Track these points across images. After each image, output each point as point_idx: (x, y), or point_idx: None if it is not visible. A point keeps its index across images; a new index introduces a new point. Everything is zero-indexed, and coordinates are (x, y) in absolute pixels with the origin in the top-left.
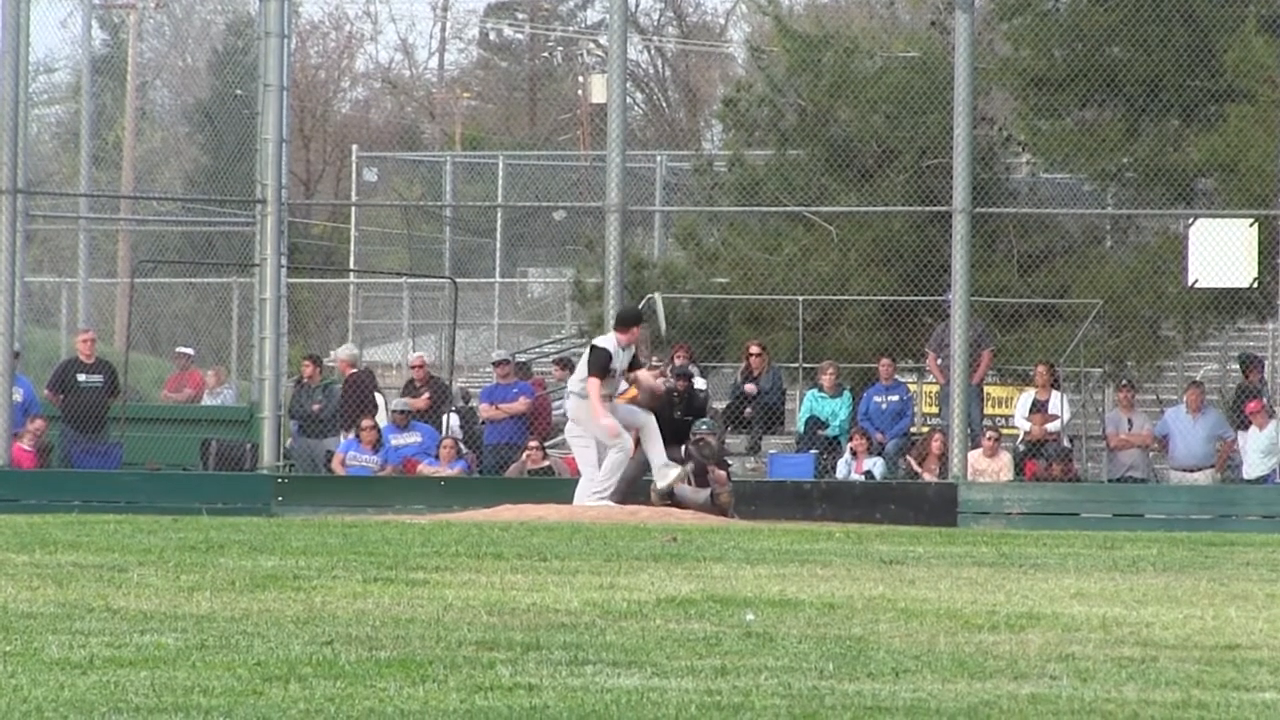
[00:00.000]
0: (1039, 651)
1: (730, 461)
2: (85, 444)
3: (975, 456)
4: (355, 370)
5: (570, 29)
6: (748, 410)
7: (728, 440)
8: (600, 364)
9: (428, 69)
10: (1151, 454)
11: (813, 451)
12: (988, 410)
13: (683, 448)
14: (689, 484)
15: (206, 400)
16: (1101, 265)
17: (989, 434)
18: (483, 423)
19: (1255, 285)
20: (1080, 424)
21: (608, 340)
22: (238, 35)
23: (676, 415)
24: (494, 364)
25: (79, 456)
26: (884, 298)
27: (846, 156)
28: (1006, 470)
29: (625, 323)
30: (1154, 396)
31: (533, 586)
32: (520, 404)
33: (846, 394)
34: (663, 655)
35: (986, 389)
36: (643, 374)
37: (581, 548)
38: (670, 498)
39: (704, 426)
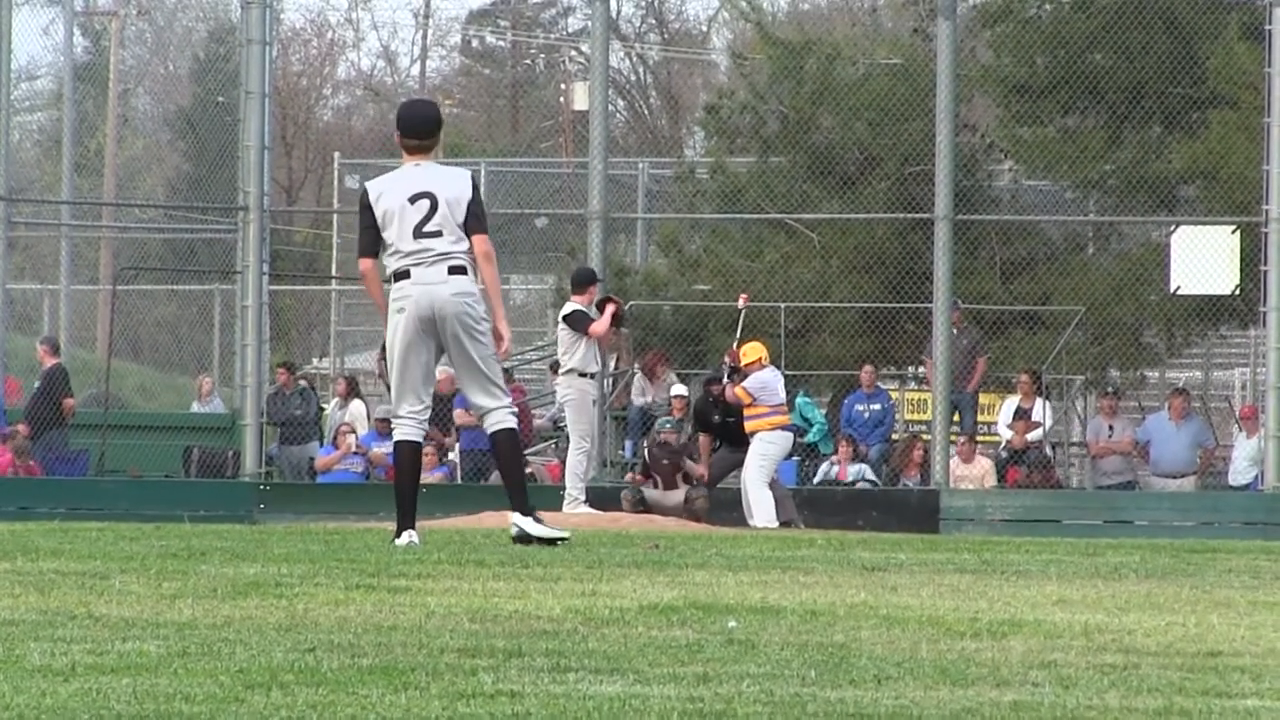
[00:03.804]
0: (1021, 659)
1: (698, 460)
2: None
3: (953, 463)
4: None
5: (552, 36)
6: (716, 417)
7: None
8: (585, 321)
9: (410, 76)
10: (1134, 460)
11: (795, 458)
12: None
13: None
14: (657, 487)
15: (197, 408)
16: (1084, 273)
17: (961, 439)
18: (458, 429)
19: (1238, 292)
20: (1062, 430)
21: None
22: (220, 42)
23: (716, 419)
24: None
25: (51, 464)
26: (866, 305)
27: (828, 163)
28: (989, 476)
29: (581, 284)
30: (1136, 403)
31: (515, 594)
32: None
33: (800, 403)
34: (645, 662)
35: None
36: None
37: (563, 555)
38: (643, 504)
39: (667, 425)
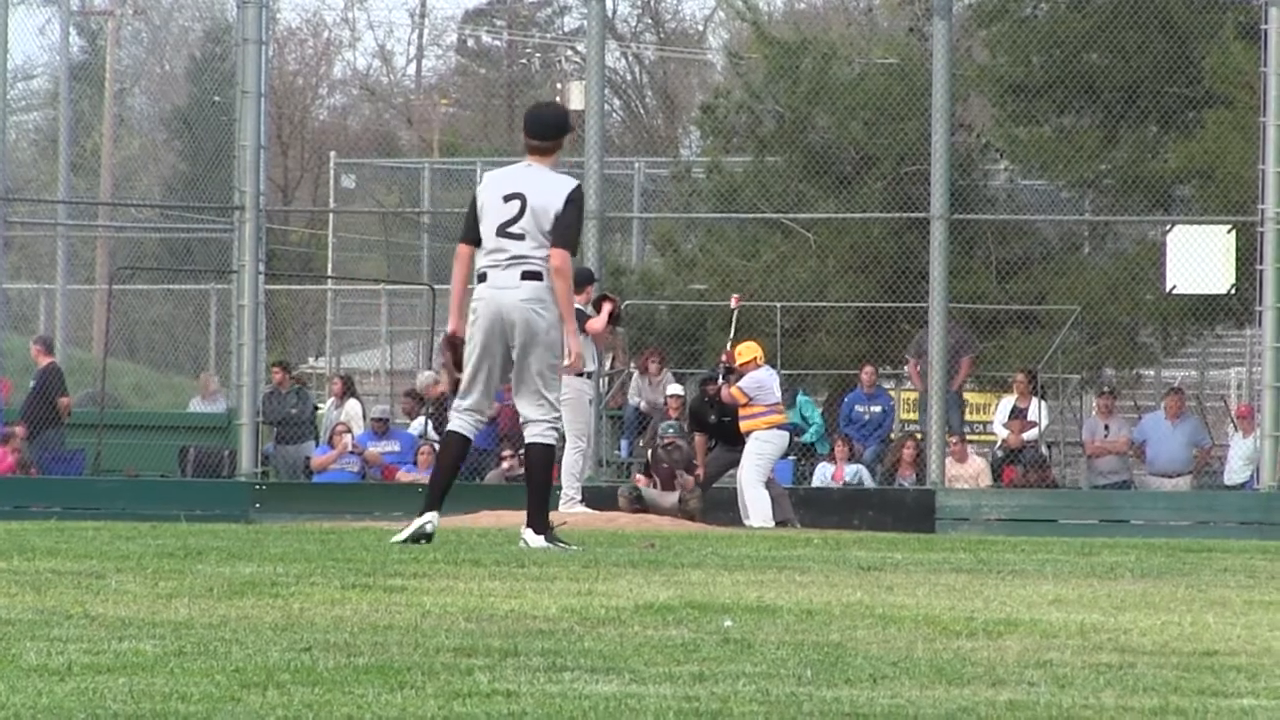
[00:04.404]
0: (1017, 658)
1: (697, 465)
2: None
3: (948, 462)
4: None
5: (548, 36)
6: (712, 417)
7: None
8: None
9: (406, 75)
10: (1130, 460)
11: (791, 458)
12: (967, 417)
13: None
14: (656, 488)
15: (200, 406)
16: (1079, 272)
17: (954, 439)
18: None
19: (1233, 292)
20: (1058, 430)
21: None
22: (216, 42)
23: (712, 419)
24: None
25: (47, 463)
26: (862, 304)
27: (824, 163)
28: (984, 476)
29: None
30: (1132, 403)
31: (511, 593)
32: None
33: (800, 400)
34: (641, 661)
35: (965, 395)
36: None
37: (559, 554)
38: (640, 503)
39: (671, 430)
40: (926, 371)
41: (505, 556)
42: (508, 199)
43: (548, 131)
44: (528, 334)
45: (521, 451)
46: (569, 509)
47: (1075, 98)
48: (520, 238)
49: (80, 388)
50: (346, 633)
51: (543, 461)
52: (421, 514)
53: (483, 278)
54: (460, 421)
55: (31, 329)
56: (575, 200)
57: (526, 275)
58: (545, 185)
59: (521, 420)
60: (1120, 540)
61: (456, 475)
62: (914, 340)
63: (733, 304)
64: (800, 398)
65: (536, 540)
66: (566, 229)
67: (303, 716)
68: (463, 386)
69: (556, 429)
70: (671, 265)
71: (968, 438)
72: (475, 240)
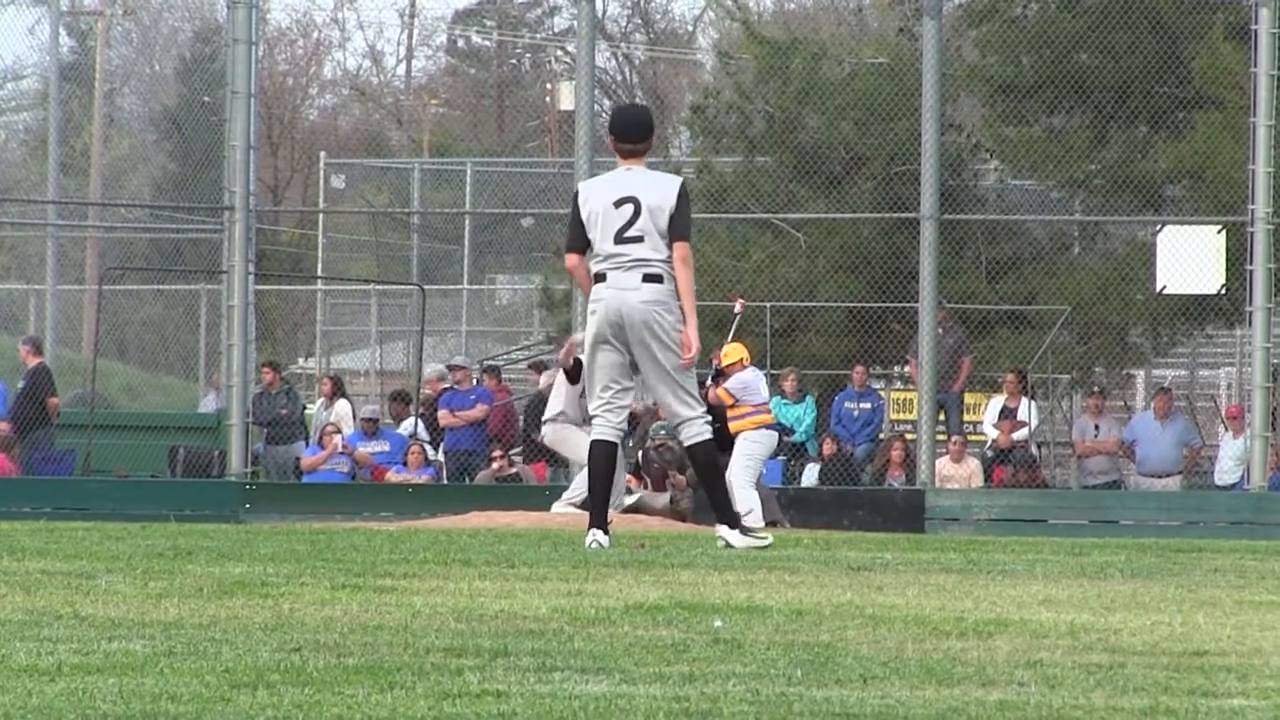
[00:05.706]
0: (1007, 658)
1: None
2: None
3: (943, 462)
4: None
5: (538, 36)
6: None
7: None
8: None
9: (396, 76)
10: (1119, 460)
11: (780, 458)
12: None
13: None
14: (647, 489)
15: (212, 405)
16: (1070, 272)
17: (954, 439)
18: (442, 429)
19: (1223, 292)
20: (1048, 430)
21: None
22: (205, 42)
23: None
24: (448, 368)
25: (37, 464)
26: (852, 304)
27: (814, 163)
28: (977, 476)
29: None
30: (1121, 403)
31: (501, 593)
32: (477, 411)
33: (809, 400)
34: (631, 662)
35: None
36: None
37: (549, 554)
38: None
39: (663, 431)
40: None
41: (495, 557)
42: (619, 204)
43: (639, 133)
44: (650, 335)
45: (512, 453)
46: (561, 509)
47: (1065, 98)
48: (639, 240)
49: (70, 388)
50: (336, 633)
51: (708, 459)
52: (591, 529)
53: (601, 277)
54: (598, 428)
55: (21, 329)
56: (685, 195)
57: (648, 278)
58: (655, 185)
59: (674, 422)
60: (1110, 540)
61: (611, 483)
62: (914, 341)
63: (737, 308)
64: (809, 398)
65: (736, 538)
66: (686, 223)
67: (293, 717)
68: (588, 389)
69: (709, 421)
70: None
71: (953, 436)
72: (581, 249)
